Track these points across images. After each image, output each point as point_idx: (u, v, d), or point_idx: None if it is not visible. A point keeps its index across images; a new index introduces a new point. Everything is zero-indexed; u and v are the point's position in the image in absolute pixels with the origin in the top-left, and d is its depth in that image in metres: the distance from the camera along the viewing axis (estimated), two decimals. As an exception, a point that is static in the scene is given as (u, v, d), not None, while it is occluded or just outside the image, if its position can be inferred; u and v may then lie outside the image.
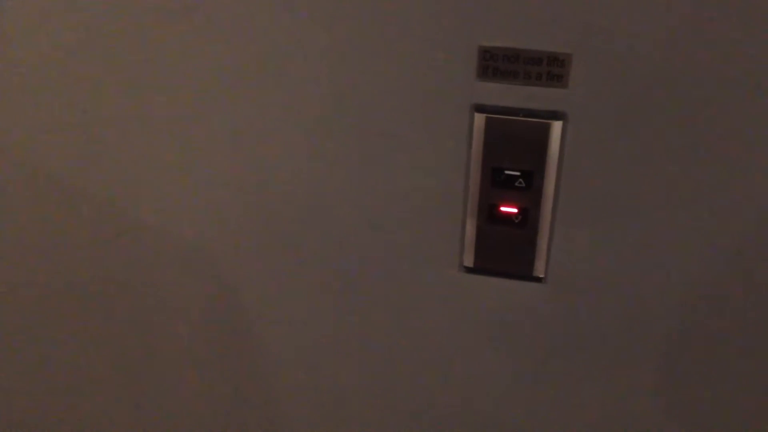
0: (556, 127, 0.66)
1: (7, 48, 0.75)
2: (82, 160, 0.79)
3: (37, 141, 0.80)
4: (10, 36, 0.75)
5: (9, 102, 0.78)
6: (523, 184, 0.69)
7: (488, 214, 0.71)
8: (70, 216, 0.83)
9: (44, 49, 0.75)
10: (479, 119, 0.67)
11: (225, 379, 0.89)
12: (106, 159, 0.79)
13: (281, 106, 0.71)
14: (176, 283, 0.84)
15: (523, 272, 0.73)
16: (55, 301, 0.89)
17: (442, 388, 0.83)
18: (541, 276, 0.73)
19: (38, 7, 0.73)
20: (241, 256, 0.80)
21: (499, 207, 0.70)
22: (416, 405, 0.85)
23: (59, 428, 0.99)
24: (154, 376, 0.91)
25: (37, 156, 0.80)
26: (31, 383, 0.97)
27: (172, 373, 0.91)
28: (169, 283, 0.84)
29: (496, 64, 0.65)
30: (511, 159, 0.68)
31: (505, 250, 0.72)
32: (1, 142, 0.81)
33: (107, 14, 0.71)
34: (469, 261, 0.74)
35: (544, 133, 0.66)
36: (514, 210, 0.70)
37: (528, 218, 0.70)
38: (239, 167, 0.75)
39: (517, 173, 0.68)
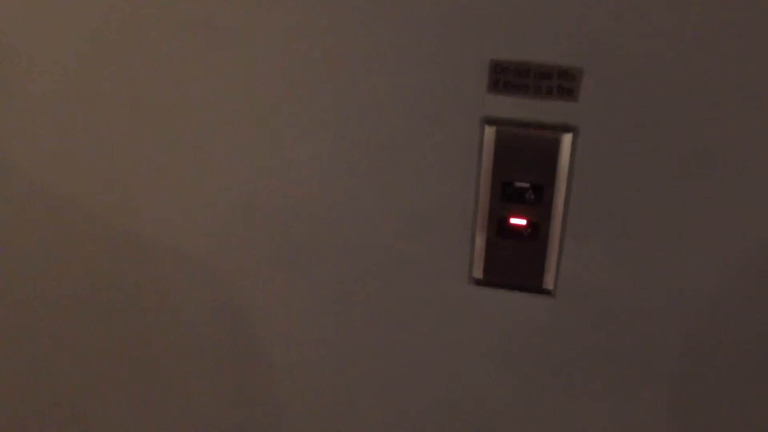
0: (567, 140, 0.66)
1: (15, 60, 0.76)
2: (90, 172, 0.80)
3: (46, 156, 0.80)
4: (18, 48, 0.76)
5: (20, 117, 0.79)
6: (533, 197, 0.69)
7: (498, 227, 0.71)
8: (80, 228, 0.84)
9: (53, 62, 0.76)
10: (490, 132, 0.67)
11: (230, 389, 0.89)
12: (113, 171, 0.79)
13: (289, 117, 0.72)
14: (183, 292, 0.84)
15: (533, 285, 0.73)
16: (64, 310, 0.90)
17: (448, 401, 0.82)
18: (551, 289, 0.73)
19: (48, 19, 0.73)
20: (248, 267, 0.80)
21: (509, 220, 0.70)
22: (422, 417, 0.84)
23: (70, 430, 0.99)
24: (161, 382, 0.92)
25: (46, 170, 0.81)
26: (41, 388, 0.97)
27: (179, 380, 0.91)
28: (177, 292, 0.85)
29: (507, 77, 0.65)
30: (521, 172, 0.68)
31: (514, 263, 0.72)
32: (11, 157, 0.81)
33: (117, 27, 0.72)
34: (478, 273, 0.74)
35: (555, 146, 0.66)
36: (524, 223, 0.70)
37: (538, 231, 0.70)
38: (247, 179, 0.76)
39: (527, 186, 0.69)
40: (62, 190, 0.82)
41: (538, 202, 0.69)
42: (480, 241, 0.72)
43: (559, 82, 0.64)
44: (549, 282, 0.72)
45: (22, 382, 0.97)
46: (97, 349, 0.91)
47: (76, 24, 0.73)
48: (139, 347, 0.90)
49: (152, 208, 0.80)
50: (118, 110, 0.76)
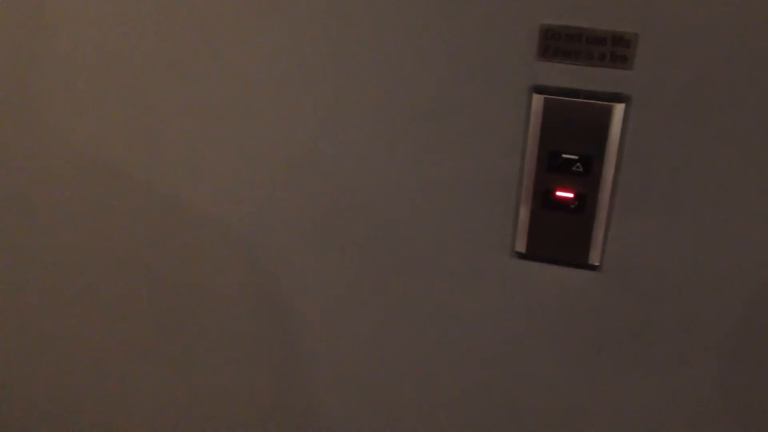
0: (619, 110, 0.63)
1: (64, 39, 0.76)
2: (130, 139, 0.80)
3: (87, 123, 0.80)
4: (65, 27, 0.75)
5: (60, 83, 0.79)
6: (581, 169, 0.67)
7: (543, 199, 0.69)
8: (120, 195, 0.84)
9: (101, 39, 0.75)
10: (538, 100, 0.65)
11: (264, 360, 0.90)
12: (153, 139, 0.79)
13: (332, 86, 0.70)
14: (221, 262, 0.84)
15: (578, 260, 0.71)
16: (102, 277, 0.91)
17: (490, 377, 0.81)
18: (597, 264, 0.71)
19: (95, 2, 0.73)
20: (287, 239, 0.80)
21: (555, 192, 0.68)
22: (463, 393, 0.84)
23: (109, 407, 1.01)
24: (197, 349, 0.92)
25: (87, 137, 0.81)
26: (84, 367, 0.98)
27: (214, 348, 0.91)
28: (214, 262, 0.85)
29: (557, 43, 0.62)
30: (570, 142, 0.66)
31: (559, 237, 0.70)
32: (52, 122, 0.82)
33: (164, 5, 0.71)
34: (521, 247, 0.72)
35: (606, 116, 0.64)
36: (571, 195, 0.68)
37: (585, 204, 0.68)
38: (289, 150, 0.75)
39: (575, 157, 0.66)
40: (102, 156, 0.82)
41: (587, 174, 0.67)
42: (524, 214, 0.70)
43: (613, 48, 0.61)
44: (595, 257, 0.70)
45: (58, 347, 0.98)
46: (133, 316, 0.92)
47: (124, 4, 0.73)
48: (175, 315, 0.90)
49: (190, 179, 0.80)
50: (158, 77, 0.76)
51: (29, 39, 0.78)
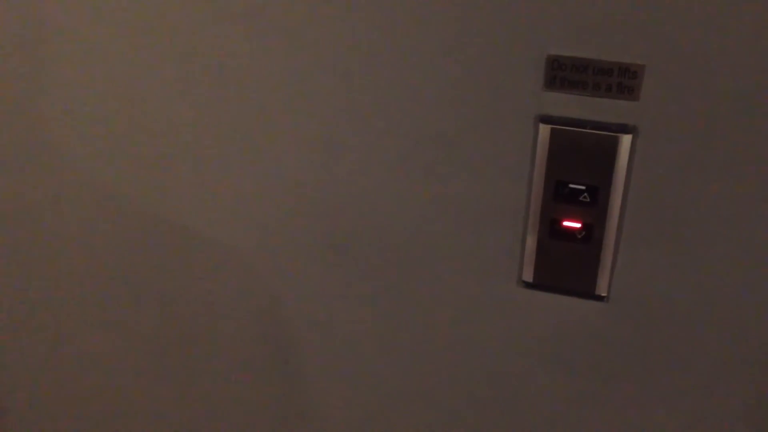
0: (626, 141, 0.63)
1: (69, 58, 0.77)
2: (134, 162, 0.80)
3: (90, 145, 0.81)
4: (71, 46, 0.76)
5: (64, 107, 0.80)
6: (588, 199, 0.66)
7: (550, 229, 0.69)
8: (124, 217, 0.84)
9: (107, 59, 0.76)
10: (544, 130, 0.65)
11: (269, 381, 0.89)
12: (158, 161, 0.79)
13: (335, 111, 0.71)
14: (226, 284, 0.84)
15: (585, 290, 0.70)
16: (105, 298, 0.91)
17: (495, 406, 0.81)
18: (604, 294, 0.70)
19: (91, 4, 0.74)
20: (293, 261, 0.80)
21: (562, 221, 0.68)
22: (466, 421, 0.83)
23: (109, 425, 1.01)
24: (202, 371, 0.92)
25: (91, 160, 0.82)
26: (84, 375, 0.98)
27: (219, 370, 0.91)
28: (219, 283, 0.85)
29: (564, 73, 0.62)
30: (577, 172, 0.66)
31: (566, 266, 0.70)
32: (56, 147, 0.82)
33: (170, 24, 0.72)
34: (528, 276, 0.71)
35: (613, 146, 0.63)
36: (578, 225, 0.68)
37: (592, 234, 0.68)
38: (294, 173, 0.75)
39: (582, 187, 0.66)
40: (106, 179, 0.83)
41: (593, 204, 0.66)
42: (531, 243, 0.70)
43: (620, 79, 0.61)
44: (602, 287, 0.70)
45: (65, 369, 0.98)
46: (139, 338, 0.92)
47: (120, 9, 0.73)
48: (176, 338, 0.90)
49: (196, 199, 0.80)
50: (162, 98, 0.76)
51: (34, 57, 0.79)
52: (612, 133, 0.63)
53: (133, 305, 0.90)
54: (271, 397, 0.91)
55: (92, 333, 0.94)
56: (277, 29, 0.69)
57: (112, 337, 0.94)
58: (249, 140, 0.75)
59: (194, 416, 0.96)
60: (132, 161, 0.81)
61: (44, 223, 0.89)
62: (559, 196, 0.67)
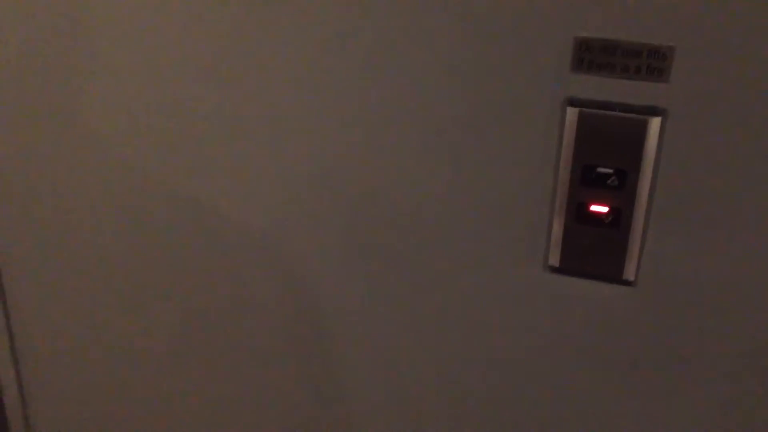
0: (655, 123, 0.62)
1: (101, 46, 0.78)
2: (161, 149, 0.81)
3: (119, 131, 0.82)
4: (102, 35, 0.77)
5: (93, 91, 0.81)
6: (616, 183, 0.66)
7: (577, 213, 0.68)
8: (151, 209, 0.85)
9: (136, 47, 0.77)
10: (572, 113, 0.64)
11: (302, 374, 0.90)
12: (186, 149, 0.80)
13: (364, 98, 0.71)
14: (253, 273, 0.85)
15: (613, 275, 0.70)
16: (133, 287, 0.92)
17: (522, 391, 0.80)
18: (632, 279, 0.69)
19: (129, 6, 0.75)
20: (320, 250, 0.80)
21: (589, 206, 0.67)
22: (493, 406, 0.83)
23: (135, 416, 1.02)
24: (230, 362, 0.93)
25: (121, 149, 0.83)
26: (115, 374, 1.00)
27: (247, 360, 0.92)
28: (246, 273, 0.85)
29: (592, 55, 0.62)
30: (604, 156, 0.65)
31: (593, 251, 0.69)
32: (87, 129, 0.83)
33: (195, 11, 0.72)
34: (555, 260, 0.71)
35: (641, 129, 0.63)
36: (605, 209, 0.67)
37: (620, 219, 0.67)
38: (322, 162, 0.75)
39: (610, 171, 0.65)
40: (133, 162, 0.83)
41: (621, 188, 0.66)
42: (558, 227, 0.69)
43: (649, 61, 0.60)
44: (630, 272, 0.69)
45: (100, 368, 1.00)
46: (163, 327, 0.93)
47: (152, 10, 0.74)
48: (204, 323, 0.91)
49: (222, 185, 0.81)
50: (189, 84, 0.77)
51: (68, 47, 0.80)
52: (641, 116, 0.62)
53: (158, 293, 0.91)
54: (298, 384, 0.91)
55: (118, 321, 0.96)
56: (303, 16, 0.69)
57: (137, 326, 0.95)
58: (276, 128, 0.76)
59: (221, 404, 0.97)
60: (160, 147, 0.82)
61: (69, 210, 0.90)
62: (586, 180, 0.66)
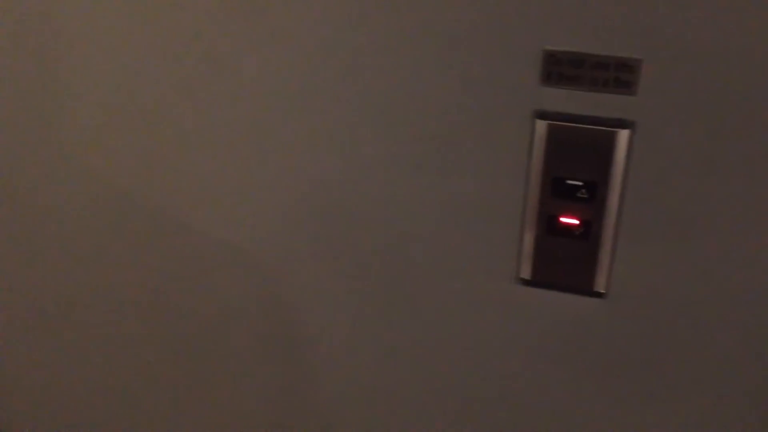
0: (623, 136, 0.62)
1: (80, 66, 0.76)
2: (138, 166, 0.80)
3: (96, 149, 0.80)
4: (72, 42, 0.76)
5: (73, 112, 0.79)
6: (586, 195, 0.66)
7: (548, 225, 0.68)
8: (128, 220, 0.84)
9: (116, 66, 0.75)
10: (541, 126, 0.64)
11: (272, 381, 0.89)
12: (161, 165, 0.79)
13: (337, 110, 0.70)
14: (228, 285, 0.84)
15: (584, 286, 0.70)
16: (107, 305, 0.90)
17: (494, 404, 0.80)
18: (603, 291, 0.69)
19: (102, 17, 0.73)
20: (292, 261, 0.79)
21: (560, 218, 0.67)
22: (465, 419, 0.82)
23: (118, 425, 1.00)
24: (206, 372, 0.92)
25: (97, 162, 0.81)
26: (91, 383, 0.98)
27: (223, 371, 0.90)
28: (221, 284, 0.84)
29: (560, 68, 0.62)
30: (574, 168, 0.65)
31: (564, 263, 0.69)
32: (67, 149, 0.82)
33: (166, 19, 0.71)
34: (526, 273, 0.71)
35: (610, 142, 0.63)
36: (576, 222, 0.67)
37: (590, 231, 0.67)
38: (293, 173, 0.75)
39: (580, 183, 0.66)
40: (111, 179, 0.82)
41: (591, 200, 0.66)
42: (529, 240, 0.69)
43: (617, 74, 0.60)
44: (601, 284, 0.69)
45: (69, 373, 0.98)
46: (142, 341, 0.92)
47: (127, 14, 0.73)
48: (182, 339, 0.90)
49: (198, 202, 0.80)
50: (167, 103, 0.76)
51: (45, 64, 0.78)
52: (609, 129, 0.62)
53: (139, 306, 0.90)
54: (278, 394, 0.90)
55: (98, 334, 0.94)
56: (280, 29, 0.69)
57: (118, 339, 0.93)
58: (253, 141, 0.75)
59: (200, 416, 0.96)
60: (139, 161, 0.80)
61: (50, 224, 0.88)
62: (556, 192, 0.66)
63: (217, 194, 0.79)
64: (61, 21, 0.76)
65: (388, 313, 0.79)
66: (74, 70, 0.78)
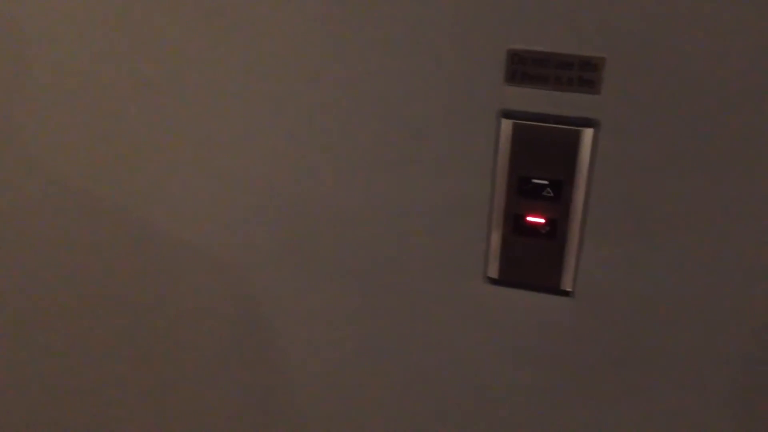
0: (587, 134, 0.63)
1: (42, 67, 0.75)
2: (103, 167, 0.79)
3: (61, 150, 0.79)
4: (33, 42, 0.74)
5: (35, 112, 0.78)
6: (552, 194, 0.66)
7: (514, 224, 0.68)
8: (93, 223, 0.82)
9: (68, 56, 0.74)
10: (506, 125, 0.64)
11: (242, 385, 0.88)
12: (126, 166, 0.78)
13: (303, 110, 0.70)
14: (197, 288, 0.83)
15: (550, 285, 0.70)
16: (76, 305, 0.89)
17: (461, 403, 0.80)
18: (569, 290, 0.70)
19: (62, 14, 0.72)
20: (262, 263, 0.79)
21: (526, 217, 0.68)
22: (435, 418, 0.82)
23: (86, 426, 0.99)
24: (174, 377, 0.90)
25: (61, 165, 0.80)
26: (56, 387, 0.96)
27: (191, 375, 0.89)
28: (190, 288, 0.83)
29: (525, 68, 0.62)
30: (540, 167, 0.65)
31: (531, 262, 0.69)
32: (27, 152, 0.80)
33: (124, 18, 0.70)
34: (493, 272, 0.71)
35: (575, 140, 0.63)
36: (542, 220, 0.67)
37: (556, 229, 0.67)
38: (262, 174, 0.74)
39: (546, 182, 0.66)
40: (76, 184, 0.81)
41: (557, 199, 0.66)
42: (495, 239, 0.69)
43: (580, 73, 0.61)
44: (567, 282, 0.69)
45: (37, 379, 0.96)
46: (109, 344, 0.90)
47: (90, 16, 0.71)
48: (151, 342, 0.88)
49: (166, 203, 0.79)
50: (131, 104, 0.75)
51: (8, 69, 0.77)
52: (574, 127, 0.63)
53: (109, 309, 0.88)
54: (250, 396, 0.89)
55: (65, 336, 0.92)
56: (240, 29, 0.68)
57: (85, 341, 0.92)
58: (223, 141, 0.74)
59: (171, 418, 0.94)
60: (103, 164, 0.79)
61: (18, 228, 0.86)
62: (522, 191, 0.67)
63: (189, 194, 0.78)
64: (25, 21, 0.74)
65: (358, 313, 0.79)
66: (39, 71, 0.76)
